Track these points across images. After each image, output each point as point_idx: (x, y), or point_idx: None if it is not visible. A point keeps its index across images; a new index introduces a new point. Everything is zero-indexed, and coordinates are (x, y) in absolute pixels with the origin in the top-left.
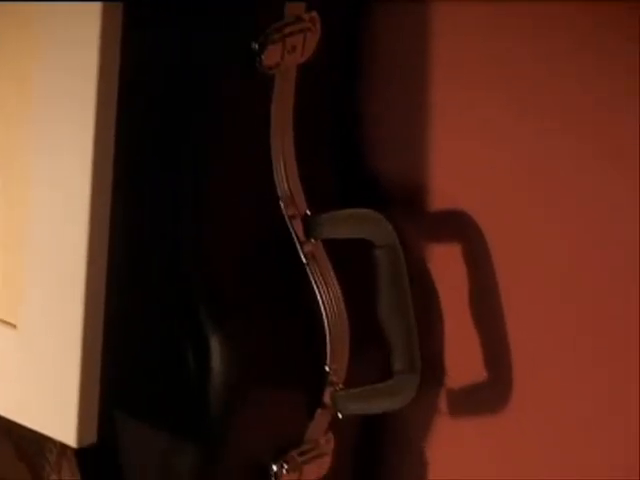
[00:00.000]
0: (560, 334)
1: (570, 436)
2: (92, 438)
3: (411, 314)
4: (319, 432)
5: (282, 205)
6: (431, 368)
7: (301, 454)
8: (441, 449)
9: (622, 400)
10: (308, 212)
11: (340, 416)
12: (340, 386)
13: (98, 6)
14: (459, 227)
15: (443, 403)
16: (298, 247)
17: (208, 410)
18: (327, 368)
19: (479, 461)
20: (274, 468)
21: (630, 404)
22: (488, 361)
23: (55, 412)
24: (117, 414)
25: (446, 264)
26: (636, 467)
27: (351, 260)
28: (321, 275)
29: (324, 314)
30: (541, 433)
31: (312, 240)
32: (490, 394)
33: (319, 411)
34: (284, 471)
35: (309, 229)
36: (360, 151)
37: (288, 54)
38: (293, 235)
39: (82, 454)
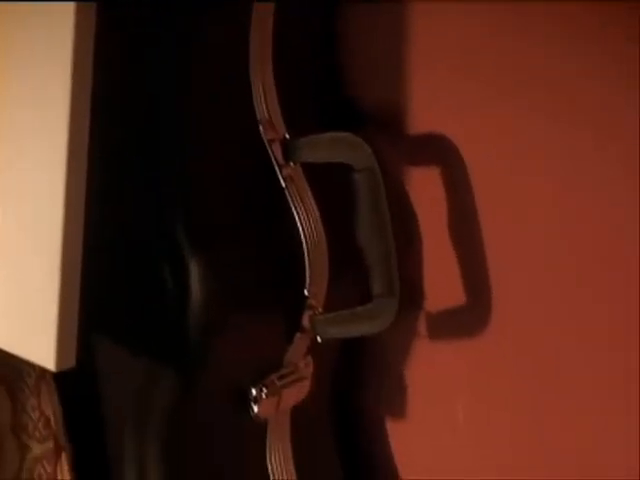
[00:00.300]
0: (540, 257)
1: (547, 360)
2: (71, 362)
3: (390, 237)
4: (298, 356)
5: (261, 129)
6: (410, 292)
7: (280, 378)
8: (420, 372)
9: (602, 322)
10: (287, 136)
11: (319, 340)
12: (319, 310)
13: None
14: (438, 151)
15: (422, 327)
16: (277, 170)
17: (187, 333)
18: (306, 292)
19: (457, 384)
20: (253, 392)
21: (611, 325)
22: (467, 285)
23: (34, 336)
24: (96, 338)
25: (425, 188)
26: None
27: (330, 185)
28: (300, 199)
29: (303, 238)
30: (519, 356)
31: (291, 164)
32: (469, 318)
33: (298, 335)
34: (263, 395)
35: (288, 153)
36: (339, 76)
37: None
38: (272, 159)
39: (61, 378)
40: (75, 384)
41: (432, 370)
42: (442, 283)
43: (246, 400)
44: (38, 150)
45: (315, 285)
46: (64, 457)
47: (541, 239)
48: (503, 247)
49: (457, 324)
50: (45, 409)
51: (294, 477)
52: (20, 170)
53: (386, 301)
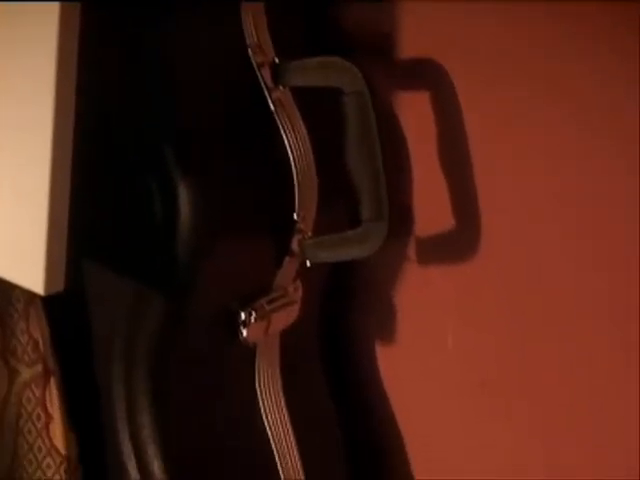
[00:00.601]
0: (529, 181)
1: (535, 283)
2: (59, 286)
3: (379, 161)
4: (287, 280)
5: (250, 52)
6: (400, 216)
7: (269, 302)
8: (409, 296)
9: (589, 244)
10: (276, 60)
11: (308, 264)
12: (308, 234)
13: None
14: (429, 75)
15: (412, 251)
16: (266, 94)
17: (176, 256)
18: (295, 216)
19: (446, 308)
20: (242, 316)
21: (596, 247)
22: (456, 209)
23: (22, 259)
24: (85, 262)
25: (416, 112)
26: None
27: (320, 110)
28: (289, 122)
29: (292, 161)
30: (507, 280)
31: (280, 87)
32: (458, 242)
33: (287, 259)
34: (252, 319)
35: (277, 76)
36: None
37: None
38: (261, 82)
39: (49, 302)
40: (64, 308)
41: (421, 294)
42: (432, 208)
43: (235, 324)
44: (28, 61)
45: (304, 209)
46: (53, 381)
47: (530, 162)
48: (492, 172)
49: (446, 249)
50: (34, 333)
51: (283, 402)
52: (7, 91)
53: (375, 225)
